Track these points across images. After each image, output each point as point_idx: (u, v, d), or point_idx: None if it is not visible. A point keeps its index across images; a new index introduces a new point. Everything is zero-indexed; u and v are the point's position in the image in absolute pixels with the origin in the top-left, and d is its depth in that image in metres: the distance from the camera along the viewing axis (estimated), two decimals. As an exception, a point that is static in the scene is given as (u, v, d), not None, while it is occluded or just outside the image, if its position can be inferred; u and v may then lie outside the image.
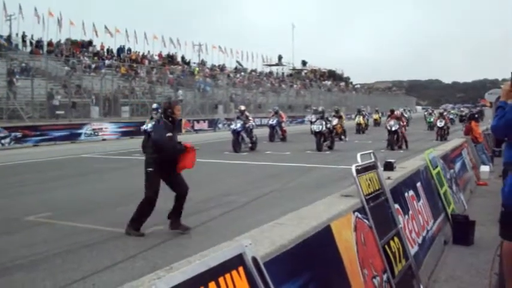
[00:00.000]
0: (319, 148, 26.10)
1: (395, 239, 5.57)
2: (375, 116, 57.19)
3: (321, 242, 3.93)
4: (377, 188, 5.60)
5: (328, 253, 4.02)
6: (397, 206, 6.23)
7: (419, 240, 6.97)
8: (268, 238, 3.44)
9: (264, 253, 3.06)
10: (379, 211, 5.39)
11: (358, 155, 5.71)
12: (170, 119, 9.31)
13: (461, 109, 76.74)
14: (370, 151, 6.07)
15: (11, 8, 51.55)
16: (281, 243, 3.36)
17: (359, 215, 4.85)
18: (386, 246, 5.21)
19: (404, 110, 53.07)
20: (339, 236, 4.22)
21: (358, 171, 5.23)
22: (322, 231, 3.97)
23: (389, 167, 7.62)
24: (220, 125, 47.84)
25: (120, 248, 8.22)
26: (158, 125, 9.60)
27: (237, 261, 2.53)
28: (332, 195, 5.31)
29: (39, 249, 8.19)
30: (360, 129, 43.82)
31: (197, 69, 66.11)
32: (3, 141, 28.65)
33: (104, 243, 8.58)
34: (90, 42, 57.08)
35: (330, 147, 27.15)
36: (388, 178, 6.52)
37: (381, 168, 6.05)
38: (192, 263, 2.36)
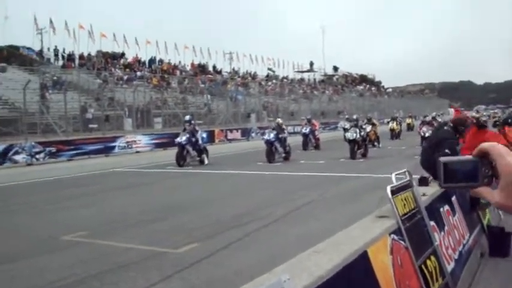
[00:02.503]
0: (353, 156, 25.93)
1: (432, 257, 5.56)
2: (408, 121, 56.80)
3: (358, 269, 3.95)
4: (412, 207, 5.58)
5: (365, 279, 4.04)
6: (432, 223, 6.20)
7: (456, 256, 6.91)
8: (305, 270, 3.46)
9: (302, 286, 3.09)
10: (415, 231, 5.37)
11: (393, 176, 5.69)
12: None
13: (495, 111, 75.90)
14: (404, 170, 6.04)
15: (42, 22, 52.20)
16: (318, 274, 3.38)
17: (395, 237, 4.84)
18: (422, 266, 5.19)
19: (436, 114, 52.62)
20: (375, 260, 4.22)
21: (393, 192, 5.22)
22: (359, 257, 3.99)
23: (424, 182, 7.57)
24: (253, 134, 47.66)
25: (157, 268, 8.26)
26: None
27: (276, 298, 2.55)
28: (367, 217, 5.29)
29: (78, 270, 8.26)
30: (394, 134, 43.54)
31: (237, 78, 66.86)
32: (38, 156, 28.94)
33: (140, 263, 8.60)
34: (122, 54, 57.64)
35: (364, 155, 27.05)
36: (423, 195, 6.49)
37: (415, 186, 6.02)
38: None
